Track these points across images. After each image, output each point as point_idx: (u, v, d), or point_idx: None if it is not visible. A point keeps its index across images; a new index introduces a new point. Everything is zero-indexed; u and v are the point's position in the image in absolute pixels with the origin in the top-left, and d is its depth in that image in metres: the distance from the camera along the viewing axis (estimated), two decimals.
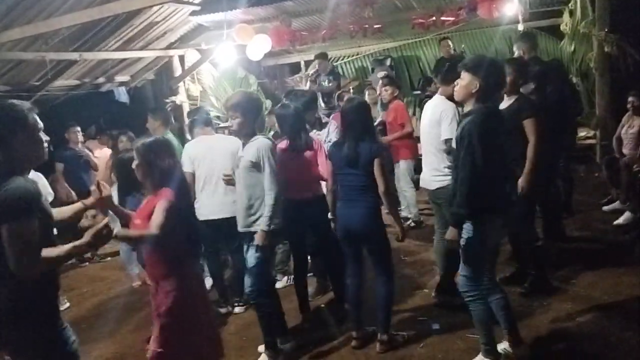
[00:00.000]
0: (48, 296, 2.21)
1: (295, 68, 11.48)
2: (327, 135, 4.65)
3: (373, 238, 3.47)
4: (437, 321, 3.80)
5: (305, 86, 9.99)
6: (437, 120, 3.70)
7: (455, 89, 3.06)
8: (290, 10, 8.04)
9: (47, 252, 2.04)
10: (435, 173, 3.76)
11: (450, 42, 8.01)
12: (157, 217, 2.56)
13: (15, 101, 2.21)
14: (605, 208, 5.69)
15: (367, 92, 7.47)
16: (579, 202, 5.80)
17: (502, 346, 3.16)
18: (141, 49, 8.10)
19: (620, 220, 5.23)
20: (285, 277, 4.89)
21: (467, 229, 2.96)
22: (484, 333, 3.08)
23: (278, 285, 4.62)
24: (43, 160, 2.23)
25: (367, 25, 7.81)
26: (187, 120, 8.61)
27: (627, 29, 6.57)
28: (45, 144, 2.22)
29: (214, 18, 8.04)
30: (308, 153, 3.93)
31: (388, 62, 9.91)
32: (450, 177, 3.48)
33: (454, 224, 2.99)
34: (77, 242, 2.08)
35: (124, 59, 8.29)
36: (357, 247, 3.56)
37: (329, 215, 3.77)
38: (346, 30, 8.00)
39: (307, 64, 11.02)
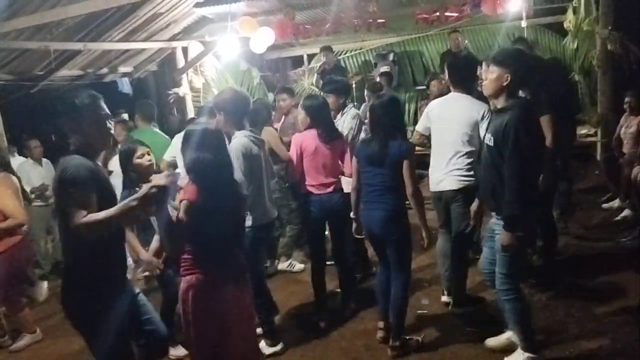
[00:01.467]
0: (106, 258, 2.39)
1: (297, 61, 11.46)
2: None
3: (395, 241, 3.44)
4: (450, 325, 3.79)
5: (311, 80, 10.03)
6: (477, 121, 3.55)
7: (483, 83, 3.00)
8: (294, 3, 8.04)
9: (95, 215, 2.23)
10: (462, 173, 3.63)
11: (459, 36, 7.96)
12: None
13: (91, 92, 2.51)
14: (604, 205, 5.73)
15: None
16: (579, 199, 5.83)
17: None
18: (145, 40, 8.10)
19: (620, 218, 5.27)
20: (288, 261, 5.05)
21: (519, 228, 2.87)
22: (523, 329, 3.07)
23: (280, 266, 5.14)
24: (109, 147, 2.68)
25: (371, 20, 7.82)
26: (190, 113, 8.74)
27: (631, 28, 6.57)
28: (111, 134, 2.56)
29: (217, 10, 8.03)
30: (336, 144, 3.96)
31: (391, 57, 9.89)
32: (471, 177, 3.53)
33: (509, 227, 2.86)
34: (125, 201, 2.24)
35: (128, 50, 8.29)
36: (383, 248, 3.54)
37: (351, 215, 3.71)
38: (350, 24, 8.00)
39: (310, 57, 11.02)
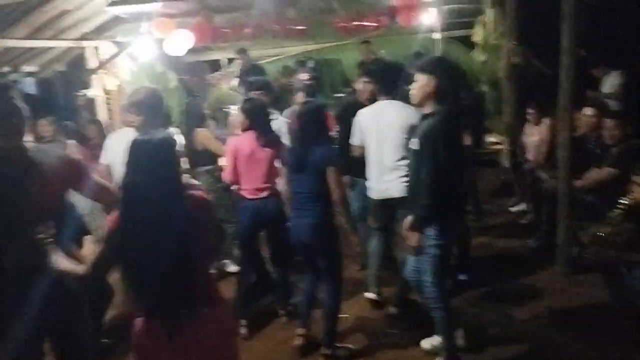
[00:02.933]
0: None
1: (215, 65, 11.28)
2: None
3: (322, 249, 3.43)
4: (387, 330, 3.83)
5: (231, 83, 9.88)
6: (411, 126, 3.53)
7: (411, 92, 3.02)
8: (213, 6, 7.90)
9: None
10: (404, 179, 3.60)
11: (370, 46, 8.18)
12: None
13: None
14: (511, 209, 6.08)
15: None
16: (486, 203, 6.15)
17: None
18: (51, 38, 7.62)
19: (526, 221, 5.61)
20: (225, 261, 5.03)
21: (433, 233, 2.93)
22: (447, 339, 3.14)
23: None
24: None
25: (290, 26, 7.82)
26: (102, 115, 8.32)
27: (533, 42, 7.03)
28: None
29: (132, 10, 7.71)
30: (273, 147, 3.86)
31: (311, 63, 9.98)
32: None
33: (415, 226, 2.94)
34: None
35: (33, 48, 7.77)
36: (312, 257, 3.52)
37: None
38: (270, 29, 7.96)
39: (229, 61, 10.89)
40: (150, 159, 2.09)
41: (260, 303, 4.27)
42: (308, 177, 3.35)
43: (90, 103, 8.29)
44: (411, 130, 3.53)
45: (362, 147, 3.95)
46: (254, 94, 4.47)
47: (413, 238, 2.98)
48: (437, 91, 2.91)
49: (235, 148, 3.85)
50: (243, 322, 3.93)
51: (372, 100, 4.08)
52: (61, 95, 8.99)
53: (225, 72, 10.67)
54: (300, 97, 6.16)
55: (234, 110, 8.79)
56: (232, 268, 5.02)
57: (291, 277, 4.18)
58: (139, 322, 2.14)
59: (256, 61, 10.03)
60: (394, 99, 3.82)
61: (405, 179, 3.61)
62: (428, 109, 2.99)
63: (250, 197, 3.84)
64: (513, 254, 4.97)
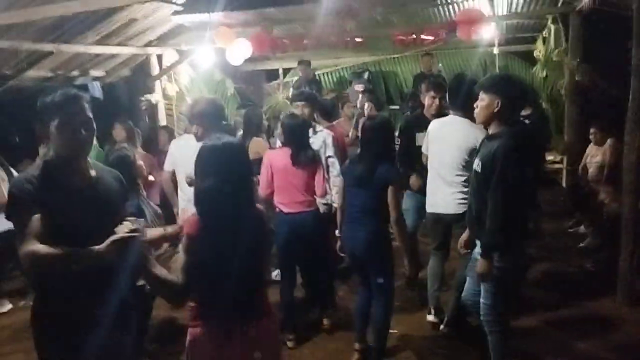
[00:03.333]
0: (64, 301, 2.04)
1: (271, 74, 11.48)
2: (323, 148, 4.37)
3: (374, 263, 3.40)
4: (436, 349, 3.77)
5: (286, 94, 10.04)
6: (475, 147, 3.39)
7: (475, 111, 2.96)
8: (273, 18, 8.05)
9: (42, 248, 1.91)
10: (463, 197, 3.57)
11: (431, 59, 8.12)
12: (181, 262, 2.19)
13: (71, 90, 2.16)
14: (570, 230, 5.88)
15: (345, 106, 7.41)
16: (545, 224, 5.97)
17: None
18: (119, 45, 7.96)
19: (584, 244, 5.42)
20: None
21: (500, 258, 2.82)
22: None
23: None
24: (80, 157, 2.16)
25: (348, 39, 7.87)
26: (162, 120, 8.62)
27: (598, 60, 6.82)
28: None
29: (195, 19, 7.98)
30: (308, 165, 3.85)
31: (366, 75, 10.01)
32: None
33: (485, 254, 2.83)
34: (88, 250, 1.92)
35: (100, 54, 8.13)
36: (364, 270, 3.50)
37: (337, 233, 3.68)
38: (328, 41, 8.05)
39: (285, 71, 11.06)
40: (228, 162, 2.10)
41: (308, 313, 4.29)
42: (367, 193, 3.33)
43: (152, 108, 8.59)
44: (472, 153, 3.45)
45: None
46: (297, 105, 4.54)
47: (482, 267, 2.84)
48: (502, 111, 2.82)
49: (269, 162, 3.88)
50: (289, 335, 3.94)
51: (439, 115, 4.01)
52: (125, 99, 9.32)
53: (282, 82, 10.85)
54: (360, 109, 6.22)
55: None
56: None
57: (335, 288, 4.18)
58: (197, 329, 2.12)
59: (314, 72, 10.17)
60: (468, 116, 3.66)
61: (461, 196, 3.60)
62: (493, 129, 2.90)
63: (287, 211, 3.85)
64: (571, 278, 4.80)
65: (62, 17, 6.08)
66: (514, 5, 7.51)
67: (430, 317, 4.04)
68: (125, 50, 8.21)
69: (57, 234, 1.96)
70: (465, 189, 3.51)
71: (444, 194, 3.70)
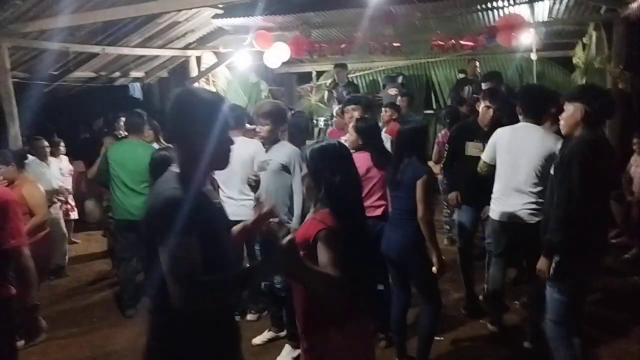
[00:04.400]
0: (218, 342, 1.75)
1: (302, 76, 11.56)
2: None
3: (411, 267, 3.40)
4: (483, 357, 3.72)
5: (319, 96, 10.11)
6: (553, 153, 3.35)
7: (560, 123, 2.93)
8: (311, 21, 8.12)
9: (209, 280, 1.62)
10: (535, 207, 3.51)
11: (477, 63, 8.09)
12: (325, 256, 2.03)
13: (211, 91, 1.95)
14: (613, 241, 5.82)
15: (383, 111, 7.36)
16: None
17: None
18: (160, 47, 8.13)
19: (629, 255, 5.37)
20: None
21: (562, 267, 2.76)
22: None
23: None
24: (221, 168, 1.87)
25: (386, 43, 7.91)
26: None
27: None
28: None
29: (234, 22, 8.10)
30: (384, 169, 3.75)
31: (400, 79, 10.00)
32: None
33: (546, 252, 2.79)
34: (256, 264, 1.85)
35: (142, 56, 8.31)
36: (399, 271, 3.51)
37: None
38: (365, 46, 8.09)
39: (319, 74, 11.13)
40: (341, 160, 2.29)
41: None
42: (402, 195, 3.37)
43: None
44: (550, 159, 3.36)
45: (490, 165, 3.81)
46: (351, 108, 4.44)
47: (540, 262, 2.80)
48: (586, 121, 2.78)
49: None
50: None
51: (496, 126, 3.94)
52: (162, 100, 9.50)
53: (315, 84, 10.92)
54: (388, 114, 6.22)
55: (322, 121, 9.07)
56: None
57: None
58: (348, 324, 2.16)
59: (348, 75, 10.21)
60: (539, 123, 3.65)
61: (534, 206, 3.53)
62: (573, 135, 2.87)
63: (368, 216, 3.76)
64: (617, 291, 4.74)
65: (109, 21, 6.25)
66: (554, 11, 7.46)
67: (490, 327, 4.00)
68: (166, 53, 8.38)
69: (210, 261, 1.66)
70: (540, 200, 3.46)
71: (516, 203, 3.60)
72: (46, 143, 6.24)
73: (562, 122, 2.91)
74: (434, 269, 3.33)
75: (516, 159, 3.60)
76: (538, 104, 3.62)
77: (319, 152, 2.28)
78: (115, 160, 4.66)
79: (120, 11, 5.30)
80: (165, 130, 1.77)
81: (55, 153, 6.57)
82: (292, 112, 5.24)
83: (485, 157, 3.85)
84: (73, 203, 6.68)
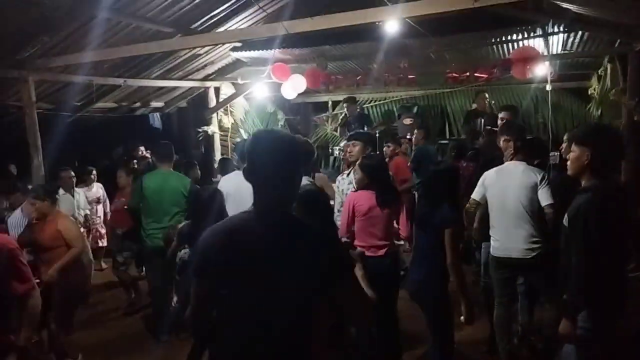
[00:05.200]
0: None
1: (318, 106, 11.69)
2: None
3: (430, 309, 3.38)
4: None
5: (334, 126, 10.23)
6: (535, 184, 3.56)
7: (567, 164, 2.88)
8: (327, 54, 8.28)
9: None
10: (531, 240, 3.60)
11: (487, 95, 8.15)
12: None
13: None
14: (631, 275, 5.75)
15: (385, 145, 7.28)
16: None
17: None
18: (180, 78, 8.33)
19: None
20: None
21: (584, 320, 2.62)
22: None
23: None
24: None
25: (401, 75, 8.02)
26: (218, 151, 8.93)
27: None
28: None
29: (252, 54, 8.30)
30: (393, 206, 3.80)
31: (415, 109, 10.08)
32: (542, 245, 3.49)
33: (568, 314, 2.65)
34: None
35: (163, 87, 8.51)
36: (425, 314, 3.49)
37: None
38: (381, 78, 8.21)
39: (335, 104, 11.26)
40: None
41: None
42: (427, 236, 3.36)
43: (208, 139, 8.90)
44: (533, 190, 3.57)
45: (478, 203, 3.90)
46: (351, 144, 4.40)
47: (562, 325, 2.65)
48: (593, 164, 2.68)
49: (352, 204, 3.80)
50: None
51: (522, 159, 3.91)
52: (181, 129, 9.70)
53: (331, 114, 11.05)
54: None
55: (337, 151, 9.16)
56: None
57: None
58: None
59: (362, 105, 10.32)
60: (528, 162, 3.76)
61: (527, 241, 3.60)
62: (584, 182, 2.77)
63: (367, 255, 3.73)
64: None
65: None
66: (569, 44, 7.53)
67: None
68: (186, 84, 8.58)
69: None
70: (534, 234, 3.59)
71: (510, 239, 3.69)
72: (72, 173, 6.40)
73: (568, 163, 2.85)
74: (462, 318, 3.34)
75: (503, 194, 3.72)
76: (531, 148, 3.80)
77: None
78: (151, 189, 4.75)
79: (144, 47, 5.48)
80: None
81: (87, 181, 6.73)
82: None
83: (474, 195, 3.93)
84: (103, 230, 6.77)
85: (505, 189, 3.73)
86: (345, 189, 4.29)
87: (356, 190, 3.88)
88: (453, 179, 3.49)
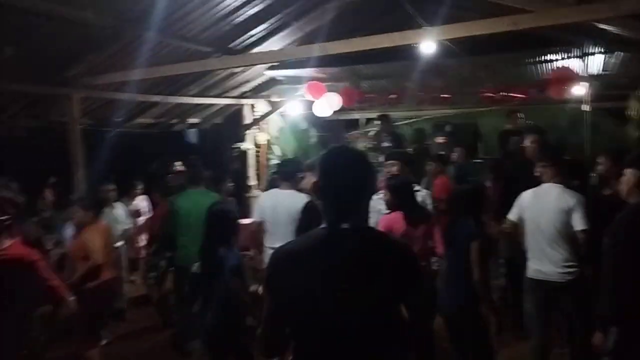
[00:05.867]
0: None
1: (349, 122, 11.73)
2: None
3: (465, 327, 3.38)
4: None
5: (367, 144, 10.23)
6: (568, 210, 3.57)
7: (618, 185, 2.99)
8: (361, 73, 8.34)
9: None
10: (566, 263, 3.60)
11: (520, 115, 8.06)
12: None
13: None
14: None
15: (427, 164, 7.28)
16: None
17: None
18: (217, 96, 8.50)
19: None
20: None
21: (612, 341, 2.69)
22: None
23: None
24: None
25: (435, 95, 8.01)
26: (252, 167, 9.04)
27: None
28: None
29: (287, 73, 8.42)
30: (425, 225, 3.82)
31: (448, 127, 10.02)
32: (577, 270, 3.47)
33: (600, 326, 2.72)
34: None
35: (200, 104, 8.70)
36: (455, 333, 3.50)
37: None
38: (415, 97, 8.22)
39: (368, 121, 11.29)
40: None
41: None
42: (454, 253, 3.40)
43: (242, 155, 9.03)
44: (568, 214, 3.56)
45: (515, 224, 3.89)
46: (389, 164, 4.52)
47: (595, 337, 2.75)
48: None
49: (389, 227, 3.80)
50: None
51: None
52: (217, 145, 9.86)
53: (363, 131, 11.07)
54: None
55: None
56: None
57: None
58: None
59: (393, 123, 10.32)
60: (565, 185, 3.75)
61: (561, 265, 3.59)
62: (632, 200, 2.87)
63: None
64: None
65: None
66: (607, 64, 7.42)
67: None
68: (223, 101, 8.75)
69: None
70: (569, 258, 3.59)
71: (545, 262, 3.68)
72: (112, 187, 6.57)
73: (621, 187, 2.94)
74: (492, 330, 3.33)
75: (538, 216, 3.72)
76: (568, 168, 3.81)
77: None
78: (184, 209, 4.87)
79: (185, 66, 5.63)
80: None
81: (131, 194, 6.90)
82: None
83: (511, 215, 3.94)
84: (144, 243, 6.83)
85: (541, 211, 3.73)
86: (382, 208, 4.33)
87: (388, 212, 3.91)
88: (478, 196, 3.54)
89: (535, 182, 3.92)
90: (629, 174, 2.86)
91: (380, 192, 4.62)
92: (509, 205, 4.03)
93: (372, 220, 4.43)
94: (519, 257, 4.06)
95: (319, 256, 1.72)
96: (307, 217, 3.88)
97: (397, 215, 3.80)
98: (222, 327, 3.21)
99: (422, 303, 3.68)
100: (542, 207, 3.72)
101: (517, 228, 3.90)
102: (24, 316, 3.17)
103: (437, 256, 3.90)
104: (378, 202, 4.48)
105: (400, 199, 3.85)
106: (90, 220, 4.53)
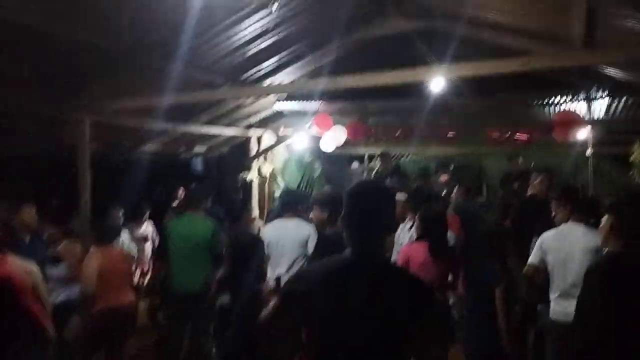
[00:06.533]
0: None
1: (354, 158, 11.80)
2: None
3: None
4: None
5: (368, 177, 10.26)
6: (597, 249, 3.45)
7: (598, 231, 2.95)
8: (369, 109, 8.44)
9: None
10: None
11: (520, 161, 8.14)
12: None
13: None
14: None
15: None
16: None
17: None
18: (225, 125, 8.58)
19: None
20: None
21: None
22: None
23: None
24: None
25: (441, 133, 8.10)
26: (256, 197, 9.06)
27: None
28: None
29: (295, 106, 8.53)
30: (446, 259, 3.83)
31: (451, 167, 10.08)
32: None
33: None
34: None
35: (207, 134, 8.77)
36: None
37: None
38: (421, 134, 8.30)
39: (370, 157, 11.37)
40: None
41: None
42: (475, 295, 3.39)
43: (248, 186, 9.06)
44: (595, 253, 3.45)
45: (537, 268, 3.80)
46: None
47: None
48: (612, 231, 2.76)
49: (407, 257, 3.86)
50: None
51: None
52: (221, 175, 9.90)
53: (366, 166, 11.15)
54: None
55: None
56: None
57: None
58: None
59: (397, 160, 10.39)
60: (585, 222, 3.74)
61: None
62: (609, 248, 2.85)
63: None
64: None
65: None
66: (612, 109, 7.51)
67: None
68: (230, 131, 8.82)
69: None
70: None
71: (570, 304, 3.57)
72: (119, 213, 6.56)
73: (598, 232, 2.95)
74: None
75: (565, 257, 3.64)
76: (588, 210, 3.72)
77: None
78: (176, 233, 4.86)
79: (197, 95, 5.71)
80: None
81: (137, 220, 6.88)
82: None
83: (532, 259, 3.84)
84: (147, 268, 6.80)
85: (568, 252, 3.66)
86: (406, 238, 4.36)
87: (417, 239, 3.95)
88: (501, 239, 3.47)
89: (545, 221, 3.91)
90: (604, 220, 2.84)
91: (405, 223, 4.66)
92: (519, 245, 4.02)
93: (396, 250, 4.47)
94: (538, 300, 3.96)
95: (343, 279, 1.79)
96: (320, 250, 3.90)
97: (419, 246, 3.80)
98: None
99: (437, 333, 3.74)
100: (568, 248, 3.67)
101: (539, 272, 3.81)
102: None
103: (456, 294, 3.87)
104: (403, 233, 4.53)
105: (429, 229, 3.86)
106: (93, 244, 4.50)
